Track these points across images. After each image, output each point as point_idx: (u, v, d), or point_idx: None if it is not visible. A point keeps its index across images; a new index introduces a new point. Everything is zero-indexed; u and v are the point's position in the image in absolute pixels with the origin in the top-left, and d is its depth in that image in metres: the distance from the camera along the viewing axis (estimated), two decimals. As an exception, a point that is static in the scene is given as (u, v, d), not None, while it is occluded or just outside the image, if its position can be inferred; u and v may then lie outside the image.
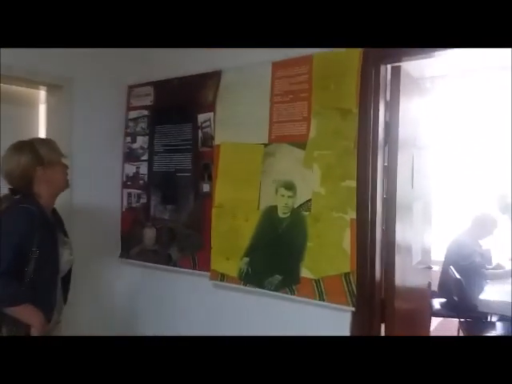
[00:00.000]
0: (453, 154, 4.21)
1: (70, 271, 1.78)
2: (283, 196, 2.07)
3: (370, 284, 1.88)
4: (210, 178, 2.34)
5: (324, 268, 1.94)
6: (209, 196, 2.34)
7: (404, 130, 1.98)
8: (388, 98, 1.96)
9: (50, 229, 1.65)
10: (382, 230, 1.94)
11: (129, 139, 2.75)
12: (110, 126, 2.68)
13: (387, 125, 1.95)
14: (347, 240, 1.88)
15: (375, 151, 1.88)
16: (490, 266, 3.72)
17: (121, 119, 2.76)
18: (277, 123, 2.12)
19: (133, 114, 2.74)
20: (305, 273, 1.99)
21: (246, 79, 2.22)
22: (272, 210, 2.10)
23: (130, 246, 2.70)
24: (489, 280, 3.48)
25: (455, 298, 3.45)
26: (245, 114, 2.22)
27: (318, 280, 1.95)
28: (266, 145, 2.14)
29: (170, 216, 2.53)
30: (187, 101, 2.46)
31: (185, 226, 2.45)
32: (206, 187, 2.37)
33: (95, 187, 2.59)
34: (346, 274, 1.88)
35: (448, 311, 3.61)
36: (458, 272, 3.39)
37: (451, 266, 3.49)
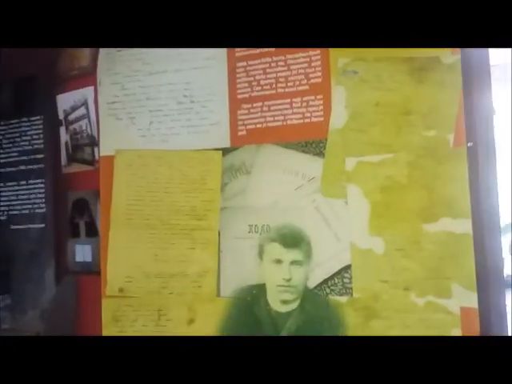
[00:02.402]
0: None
1: None
2: (279, 262, 0.91)
3: None
4: (93, 233, 1.07)
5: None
6: (92, 271, 1.06)
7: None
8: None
9: None
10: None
11: None
12: None
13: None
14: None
15: (492, 150, 0.85)
16: None
17: None
18: (247, 103, 0.97)
19: None
20: None
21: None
22: (255, 295, 0.92)
23: None
24: None
25: None
26: (168, 84, 1.03)
27: None
28: (225, 150, 0.97)
29: (2, 320, 1.16)
30: (36, 71, 1.18)
31: (36, 343, 1.12)
32: (83, 252, 1.08)
33: None
34: None
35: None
36: None
37: None
